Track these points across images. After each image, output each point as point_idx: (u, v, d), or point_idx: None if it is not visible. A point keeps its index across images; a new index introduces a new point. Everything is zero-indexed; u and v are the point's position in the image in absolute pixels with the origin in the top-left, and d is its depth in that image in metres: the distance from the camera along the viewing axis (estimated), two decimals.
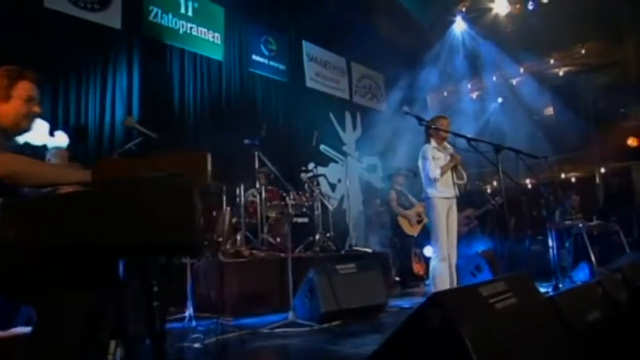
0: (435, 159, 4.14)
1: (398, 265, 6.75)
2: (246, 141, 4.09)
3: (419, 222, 6.52)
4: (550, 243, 5.10)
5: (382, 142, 9.57)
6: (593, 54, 9.91)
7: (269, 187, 6.26)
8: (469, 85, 11.89)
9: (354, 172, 9.46)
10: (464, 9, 11.29)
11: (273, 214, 6.26)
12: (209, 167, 1.62)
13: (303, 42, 8.88)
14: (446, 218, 4.09)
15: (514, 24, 10.72)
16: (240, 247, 5.35)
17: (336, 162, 8.85)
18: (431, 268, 4.11)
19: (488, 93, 11.47)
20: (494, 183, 10.75)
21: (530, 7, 10.49)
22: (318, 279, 3.63)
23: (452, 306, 1.40)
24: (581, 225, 6.55)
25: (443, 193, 4.12)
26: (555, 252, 5.01)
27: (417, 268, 7.27)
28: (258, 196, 5.82)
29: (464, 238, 7.57)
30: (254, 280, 4.72)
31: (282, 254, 5.57)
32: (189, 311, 4.21)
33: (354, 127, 9.67)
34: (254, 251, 5.27)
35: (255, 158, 5.87)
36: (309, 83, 8.75)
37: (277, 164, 7.00)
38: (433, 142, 4.25)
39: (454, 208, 4.24)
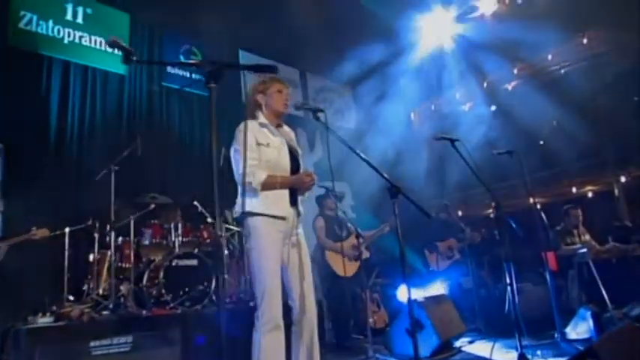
0: (260, 146, 2.46)
1: (339, 318, 5.01)
2: None
3: (357, 258, 4.83)
4: (507, 280, 3.31)
5: (351, 165, 8.00)
6: (598, 42, 8.21)
7: (151, 221, 4.77)
8: (457, 96, 10.29)
9: (311, 200, 7.88)
10: (449, 11, 9.87)
11: (158, 257, 4.75)
12: None
13: (240, 52, 7.57)
14: (283, 252, 2.42)
15: (503, 22, 9.20)
16: (74, 306, 3.81)
17: None
18: (253, 345, 2.30)
19: (479, 102, 9.81)
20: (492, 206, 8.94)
21: (519, 1, 9.12)
22: None
23: None
24: (584, 250, 4.71)
25: (272, 208, 2.43)
26: (515, 295, 3.20)
27: (377, 319, 5.53)
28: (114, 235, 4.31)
29: (439, 274, 5.86)
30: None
31: (144, 311, 4.04)
32: None
33: (312, 148, 8.15)
34: (86, 310, 3.71)
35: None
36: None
37: (198, 195, 5.60)
38: (261, 118, 2.62)
39: (300, 238, 2.54)
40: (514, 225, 3.22)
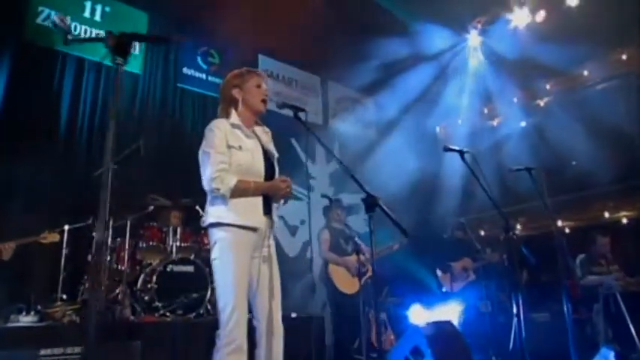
0: (231, 148, 2.21)
1: (341, 337, 4.72)
2: None
3: (360, 275, 4.53)
4: (514, 310, 2.96)
5: (369, 176, 7.71)
6: (638, 58, 7.72)
7: (149, 224, 4.62)
8: (486, 111, 9.88)
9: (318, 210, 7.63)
10: (479, 24, 9.51)
11: (155, 261, 4.58)
12: None
13: (260, 56, 7.44)
14: (252, 266, 2.17)
15: (536, 35, 8.79)
16: (61, 306, 3.66)
17: (299, 199, 7.07)
18: None
19: (509, 117, 9.37)
20: (518, 227, 8.47)
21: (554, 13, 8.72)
22: None
23: None
24: (612, 281, 4.29)
25: (243, 217, 2.17)
26: (522, 327, 2.84)
27: (384, 340, 5.19)
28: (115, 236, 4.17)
29: (454, 296, 5.50)
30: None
31: (133, 317, 3.88)
32: None
33: (328, 161, 7.91)
34: (69, 312, 3.55)
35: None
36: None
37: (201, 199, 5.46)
38: (234, 117, 2.36)
39: (272, 250, 2.30)
40: (524, 250, 2.87)
